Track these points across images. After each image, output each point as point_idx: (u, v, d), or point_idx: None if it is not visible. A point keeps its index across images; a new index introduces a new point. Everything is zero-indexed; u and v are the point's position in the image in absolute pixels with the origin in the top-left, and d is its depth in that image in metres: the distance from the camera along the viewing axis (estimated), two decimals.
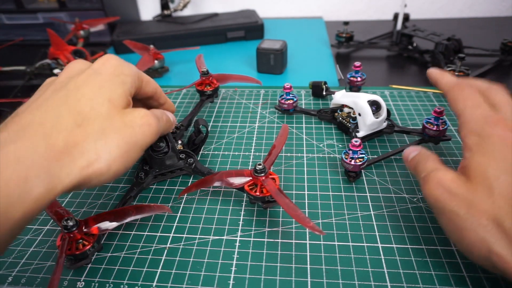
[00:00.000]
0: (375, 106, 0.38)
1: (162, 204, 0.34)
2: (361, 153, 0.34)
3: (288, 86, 0.44)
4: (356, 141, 0.33)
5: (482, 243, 0.22)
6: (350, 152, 0.34)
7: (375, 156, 0.38)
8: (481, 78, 0.54)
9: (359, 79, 0.47)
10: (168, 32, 0.69)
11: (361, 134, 0.39)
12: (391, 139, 0.41)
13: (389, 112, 0.41)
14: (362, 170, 0.37)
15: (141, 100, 0.32)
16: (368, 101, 0.38)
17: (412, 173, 0.31)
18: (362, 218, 0.32)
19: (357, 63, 0.46)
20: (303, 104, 0.48)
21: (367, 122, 0.38)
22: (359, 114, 0.38)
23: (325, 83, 0.48)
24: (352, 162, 0.34)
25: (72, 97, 0.25)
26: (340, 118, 0.42)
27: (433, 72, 0.33)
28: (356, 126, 0.40)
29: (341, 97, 0.41)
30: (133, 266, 0.29)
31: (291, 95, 0.45)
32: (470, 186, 0.23)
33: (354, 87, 0.47)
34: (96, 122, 0.24)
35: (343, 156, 0.34)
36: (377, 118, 0.38)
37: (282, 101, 0.44)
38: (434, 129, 0.37)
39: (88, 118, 0.24)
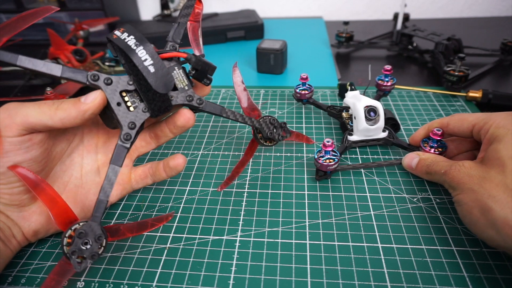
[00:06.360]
0: (372, 112, 0.37)
1: (163, 214, 0.33)
2: (333, 154, 0.34)
3: (305, 77, 0.44)
4: (327, 141, 0.33)
5: (489, 212, 0.25)
6: (322, 151, 0.34)
7: (357, 163, 0.37)
8: (481, 78, 0.54)
9: (388, 83, 0.44)
10: (168, 32, 0.69)
11: (353, 138, 0.39)
12: (385, 151, 0.39)
13: (398, 126, 0.41)
14: (336, 171, 0.36)
15: None
16: (366, 106, 0.37)
17: (424, 177, 0.34)
18: (362, 218, 0.32)
19: (388, 67, 0.44)
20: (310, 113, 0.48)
21: (359, 127, 0.38)
22: (355, 118, 0.38)
23: (351, 84, 0.46)
24: (320, 161, 0.34)
25: None
26: (344, 118, 0.42)
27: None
28: (352, 129, 0.40)
29: (349, 97, 0.41)
30: (133, 266, 0.29)
31: (306, 85, 0.45)
32: (484, 167, 0.27)
33: (380, 91, 0.45)
34: None
35: (316, 153, 0.35)
36: (371, 125, 0.37)
37: (297, 91, 0.45)
38: (432, 152, 0.35)
39: None
